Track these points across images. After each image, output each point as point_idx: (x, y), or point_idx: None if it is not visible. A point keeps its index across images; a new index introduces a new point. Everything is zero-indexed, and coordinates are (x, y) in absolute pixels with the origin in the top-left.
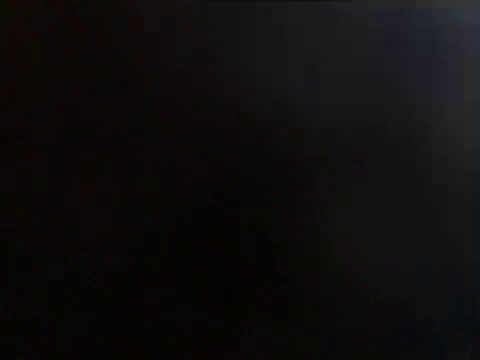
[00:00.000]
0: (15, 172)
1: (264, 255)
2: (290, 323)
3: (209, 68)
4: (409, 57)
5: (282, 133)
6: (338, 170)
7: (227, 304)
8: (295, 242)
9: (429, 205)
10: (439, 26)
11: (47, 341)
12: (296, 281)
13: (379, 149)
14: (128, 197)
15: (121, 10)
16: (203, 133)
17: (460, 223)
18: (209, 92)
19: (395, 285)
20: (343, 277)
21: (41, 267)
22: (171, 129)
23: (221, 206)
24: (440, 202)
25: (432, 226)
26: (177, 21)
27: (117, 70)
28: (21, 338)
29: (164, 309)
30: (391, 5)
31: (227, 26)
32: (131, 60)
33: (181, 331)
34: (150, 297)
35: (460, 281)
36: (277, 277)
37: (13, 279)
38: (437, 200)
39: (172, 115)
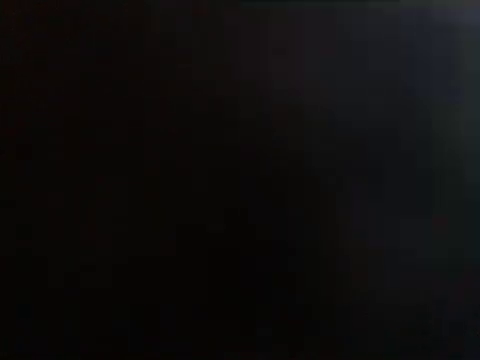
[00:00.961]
0: (22, 179)
1: (278, 264)
2: (306, 336)
3: (222, 71)
4: (425, 63)
5: (296, 138)
6: (352, 178)
7: (237, 312)
8: (310, 251)
9: (444, 211)
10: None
11: (53, 343)
12: (308, 290)
13: (394, 154)
14: (139, 205)
15: (130, 11)
16: (217, 139)
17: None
18: (222, 97)
19: (413, 295)
20: (355, 284)
21: (48, 271)
22: (182, 134)
23: (234, 212)
24: (456, 208)
25: (448, 233)
26: (189, 21)
27: (128, 74)
28: (29, 341)
29: (175, 317)
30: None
31: (241, 26)
32: (142, 63)
33: (189, 338)
34: (161, 305)
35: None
36: (288, 284)
37: (20, 284)
38: (453, 207)
39: (184, 120)
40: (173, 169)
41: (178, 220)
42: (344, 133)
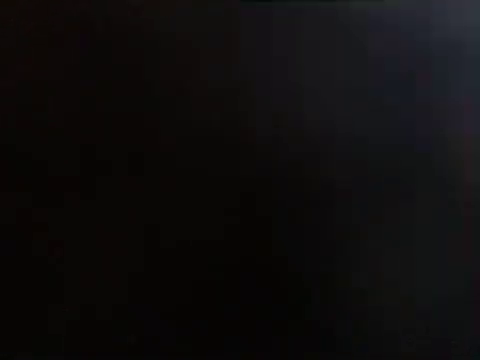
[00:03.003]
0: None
1: (293, 287)
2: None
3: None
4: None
5: (311, 160)
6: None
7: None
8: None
9: (461, 228)
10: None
11: None
12: (322, 314)
13: (412, 177)
14: (148, 230)
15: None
16: (228, 158)
17: None
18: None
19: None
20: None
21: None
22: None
23: (248, 235)
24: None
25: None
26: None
27: (139, 88)
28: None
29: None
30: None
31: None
32: (151, 73)
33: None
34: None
35: None
36: (301, 309)
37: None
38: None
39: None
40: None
41: (185, 238)
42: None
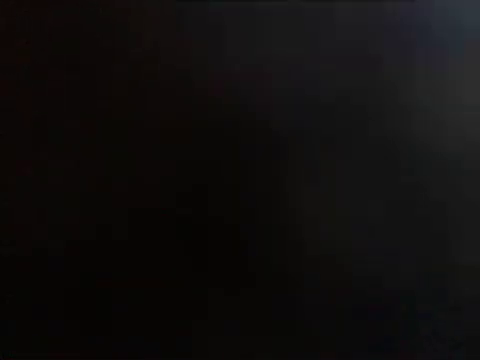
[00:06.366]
0: None
1: (240, 234)
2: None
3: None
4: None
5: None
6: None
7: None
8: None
9: (403, 184)
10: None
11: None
12: (271, 262)
13: (354, 128)
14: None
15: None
16: (185, 110)
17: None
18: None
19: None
20: (317, 257)
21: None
22: (153, 105)
23: (200, 182)
24: (414, 182)
25: (405, 205)
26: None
27: (104, 58)
28: None
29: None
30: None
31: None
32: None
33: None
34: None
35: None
36: (250, 255)
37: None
38: (413, 181)
39: (154, 90)
40: (151, 146)
41: (154, 197)
42: (311, 101)
